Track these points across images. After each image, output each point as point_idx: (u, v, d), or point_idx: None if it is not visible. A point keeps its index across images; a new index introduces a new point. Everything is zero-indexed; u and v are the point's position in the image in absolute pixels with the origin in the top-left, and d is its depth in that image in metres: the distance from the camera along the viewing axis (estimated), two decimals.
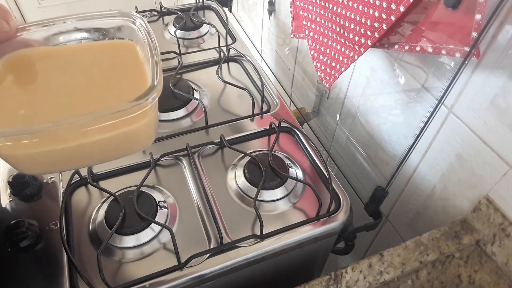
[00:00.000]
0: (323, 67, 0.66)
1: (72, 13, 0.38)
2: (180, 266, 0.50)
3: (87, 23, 0.40)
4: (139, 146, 0.39)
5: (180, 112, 0.72)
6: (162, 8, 0.98)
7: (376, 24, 0.51)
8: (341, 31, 0.59)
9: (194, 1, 1.01)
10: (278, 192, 0.59)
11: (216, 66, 0.82)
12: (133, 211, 0.54)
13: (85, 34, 0.40)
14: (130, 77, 0.37)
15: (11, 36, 0.36)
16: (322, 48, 0.65)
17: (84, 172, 0.61)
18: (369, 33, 0.53)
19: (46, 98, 0.35)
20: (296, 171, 0.63)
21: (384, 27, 0.50)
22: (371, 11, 0.51)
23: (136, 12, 0.95)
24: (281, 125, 0.70)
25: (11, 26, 0.35)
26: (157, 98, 0.33)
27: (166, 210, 0.57)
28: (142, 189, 0.58)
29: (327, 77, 0.65)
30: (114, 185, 0.61)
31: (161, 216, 0.56)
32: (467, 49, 0.44)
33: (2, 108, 0.34)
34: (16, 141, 0.30)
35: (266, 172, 0.60)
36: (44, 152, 0.32)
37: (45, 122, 0.31)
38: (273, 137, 0.70)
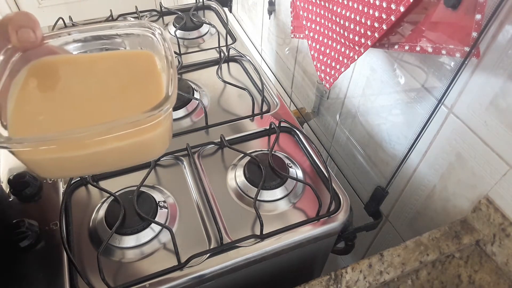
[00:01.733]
0: (323, 67, 0.66)
1: (93, 21, 0.38)
2: (180, 266, 0.50)
3: (108, 32, 0.41)
4: (153, 154, 0.40)
5: (180, 112, 0.72)
6: (162, 8, 0.98)
7: (376, 24, 0.51)
8: (341, 31, 0.59)
9: (194, 1, 1.01)
10: (278, 192, 0.59)
11: (216, 66, 0.82)
12: (133, 211, 0.54)
13: (105, 43, 0.42)
14: (147, 87, 0.38)
15: (37, 44, 0.37)
16: (322, 48, 0.66)
17: None
18: (369, 33, 0.53)
19: (65, 105, 0.36)
20: (296, 171, 0.63)
21: (384, 27, 0.50)
22: (371, 11, 0.51)
23: (136, 12, 0.95)
24: (281, 125, 0.70)
25: (38, 35, 0.36)
26: (171, 109, 0.34)
27: (166, 210, 0.57)
28: (142, 189, 0.58)
29: (327, 77, 0.65)
30: (114, 185, 0.61)
31: (161, 216, 0.56)
32: (467, 49, 0.44)
33: (24, 113, 0.35)
34: (35, 147, 0.32)
35: (266, 172, 0.60)
36: (61, 158, 0.34)
37: (62, 129, 0.33)
38: (273, 137, 0.70)
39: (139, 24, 0.41)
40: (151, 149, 0.38)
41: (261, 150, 0.66)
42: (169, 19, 0.97)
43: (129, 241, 0.53)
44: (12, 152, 0.33)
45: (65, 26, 0.92)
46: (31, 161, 0.35)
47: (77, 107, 0.36)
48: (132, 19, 0.97)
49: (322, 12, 0.63)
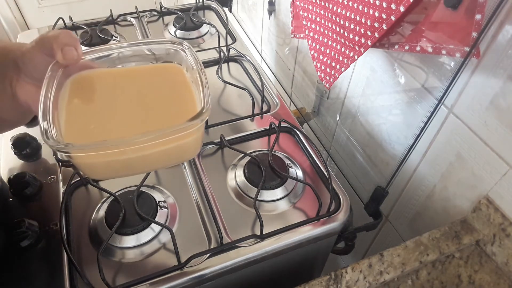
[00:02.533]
0: (323, 67, 0.66)
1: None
2: (180, 266, 0.50)
3: (141, 48, 0.45)
4: (188, 156, 0.45)
5: None
6: (162, 8, 0.98)
7: (376, 24, 0.51)
8: (341, 31, 0.59)
9: (194, 1, 1.01)
10: (278, 192, 0.59)
11: (216, 66, 0.82)
12: (133, 211, 0.54)
13: (139, 58, 0.46)
14: (179, 97, 0.43)
15: (78, 60, 0.41)
16: (322, 48, 0.66)
17: None
18: (369, 33, 0.53)
19: (109, 115, 0.41)
20: (296, 171, 0.63)
21: (384, 27, 0.50)
22: (371, 11, 0.51)
23: (136, 12, 0.95)
24: (281, 125, 0.70)
25: (79, 53, 0.40)
26: (207, 118, 0.38)
27: (166, 210, 0.57)
28: (142, 189, 0.58)
29: (327, 77, 0.65)
30: (114, 185, 0.61)
31: (161, 216, 0.56)
32: (467, 49, 0.44)
33: (76, 122, 0.40)
34: (93, 152, 0.36)
35: (266, 172, 0.60)
36: (112, 161, 0.38)
37: (111, 136, 0.38)
38: (273, 137, 0.70)
39: (170, 40, 0.45)
40: (189, 151, 0.43)
41: (261, 150, 0.66)
42: (169, 19, 0.97)
43: (129, 241, 0.53)
44: (70, 157, 0.36)
45: (65, 26, 0.92)
46: (84, 164, 0.39)
47: (119, 116, 0.41)
48: (133, 19, 0.97)
49: (322, 12, 0.63)
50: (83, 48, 0.43)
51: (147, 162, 0.41)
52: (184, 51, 0.45)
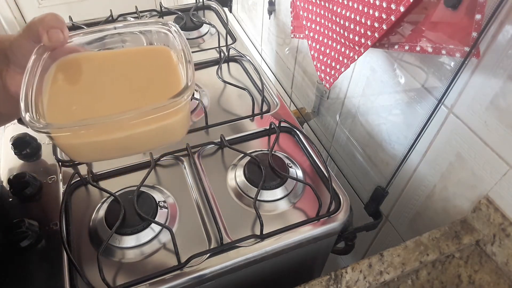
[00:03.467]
0: (323, 67, 0.66)
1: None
2: (180, 266, 0.50)
3: (127, 30, 0.45)
4: (175, 137, 0.44)
5: None
6: (162, 8, 0.98)
7: (376, 24, 0.51)
8: (341, 31, 0.59)
9: (194, 1, 1.01)
10: (278, 192, 0.59)
11: (216, 66, 0.82)
12: (133, 211, 0.54)
13: (125, 40, 0.46)
14: (166, 78, 0.42)
15: (64, 43, 0.41)
16: (322, 48, 0.66)
17: (84, 172, 0.61)
18: (369, 33, 0.53)
19: (94, 97, 0.41)
20: (296, 171, 0.63)
21: (384, 27, 0.50)
22: (371, 11, 0.51)
23: (136, 12, 0.95)
24: (281, 125, 0.70)
25: (65, 35, 0.40)
26: (190, 96, 0.38)
27: (166, 210, 0.57)
28: (142, 189, 0.58)
29: (327, 77, 0.65)
30: (114, 185, 0.61)
31: (161, 216, 0.56)
32: (467, 49, 0.44)
33: (58, 104, 0.39)
34: (74, 132, 0.36)
35: (266, 172, 0.60)
36: (95, 142, 0.38)
37: (96, 117, 0.37)
38: (273, 137, 0.70)
39: (156, 21, 0.45)
40: (174, 132, 0.42)
41: (261, 150, 0.66)
42: (169, 19, 0.97)
43: (129, 241, 0.53)
44: (51, 137, 0.37)
45: None
46: (68, 145, 0.39)
47: (104, 98, 0.41)
48: (132, 19, 0.97)
49: (322, 12, 0.63)
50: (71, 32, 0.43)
51: (133, 143, 0.41)
52: (170, 31, 0.44)
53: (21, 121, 0.69)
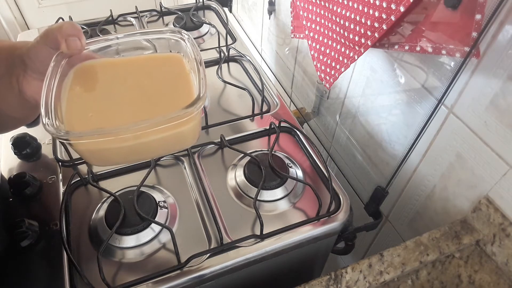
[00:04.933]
0: (323, 67, 0.66)
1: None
2: (180, 266, 0.50)
3: (141, 38, 0.46)
4: (186, 144, 0.46)
5: None
6: (162, 8, 0.98)
7: (376, 24, 0.51)
8: (341, 31, 0.59)
9: (194, 1, 1.01)
10: (278, 192, 0.59)
11: (216, 66, 0.82)
12: (133, 211, 0.54)
13: (139, 48, 0.47)
14: (178, 86, 0.43)
15: (82, 50, 0.42)
16: (322, 48, 0.66)
17: (84, 172, 0.61)
18: (369, 33, 0.53)
19: (109, 104, 0.42)
20: (296, 171, 0.63)
21: (384, 27, 0.50)
22: (371, 11, 0.51)
23: (136, 12, 0.95)
24: (281, 125, 0.70)
25: (83, 43, 0.41)
26: (203, 106, 0.39)
27: (166, 210, 0.57)
28: (142, 189, 0.58)
29: (327, 77, 0.65)
30: (114, 185, 0.61)
31: (161, 216, 0.56)
32: (467, 49, 0.44)
33: (75, 110, 0.40)
34: (90, 140, 0.37)
35: (266, 172, 0.60)
36: (112, 149, 0.39)
37: (110, 125, 0.38)
38: (273, 137, 0.70)
39: (170, 30, 0.47)
40: (186, 139, 0.43)
41: (261, 150, 0.66)
42: (169, 19, 0.97)
43: (129, 241, 0.53)
44: (70, 144, 0.38)
45: None
46: (85, 151, 0.40)
47: (119, 105, 0.42)
48: (132, 19, 0.97)
49: (322, 12, 0.63)
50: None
51: (146, 150, 0.42)
52: (183, 40, 0.46)
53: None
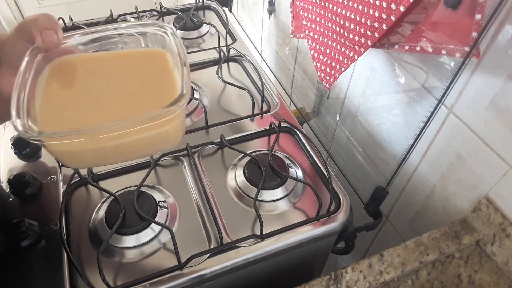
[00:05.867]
0: (323, 67, 0.66)
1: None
2: (180, 266, 0.50)
3: (123, 32, 0.44)
4: (169, 145, 0.43)
5: None
6: (162, 8, 0.98)
7: (376, 24, 0.51)
8: (341, 31, 0.59)
9: (194, 1, 1.01)
10: (278, 192, 0.59)
11: (216, 66, 0.82)
12: (133, 211, 0.54)
13: (121, 42, 0.45)
14: (161, 83, 0.41)
15: (59, 45, 0.39)
16: (322, 48, 0.66)
17: (84, 172, 0.61)
18: (369, 33, 0.53)
19: (86, 101, 0.39)
20: (296, 171, 0.63)
21: (384, 27, 0.50)
22: (371, 11, 0.51)
23: (136, 12, 0.95)
24: (281, 125, 0.70)
25: (59, 37, 0.39)
26: (186, 104, 0.37)
27: (166, 210, 0.57)
28: (142, 189, 0.58)
29: (327, 77, 0.65)
30: (114, 185, 0.61)
31: (161, 216, 0.56)
32: (467, 49, 0.44)
33: (49, 109, 0.38)
34: (64, 140, 0.35)
35: (266, 172, 0.60)
36: (88, 150, 0.37)
37: (85, 124, 0.36)
38: (273, 137, 0.70)
39: (152, 23, 0.43)
40: (168, 139, 0.41)
41: (261, 150, 0.66)
42: (169, 19, 0.97)
43: (129, 241, 0.53)
44: (43, 145, 0.35)
45: (65, 26, 0.92)
46: (60, 152, 0.38)
47: (97, 102, 0.39)
48: (132, 19, 0.97)
49: (322, 12, 0.63)
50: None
51: (125, 151, 0.40)
52: (166, 34, 0.43)
53: None
